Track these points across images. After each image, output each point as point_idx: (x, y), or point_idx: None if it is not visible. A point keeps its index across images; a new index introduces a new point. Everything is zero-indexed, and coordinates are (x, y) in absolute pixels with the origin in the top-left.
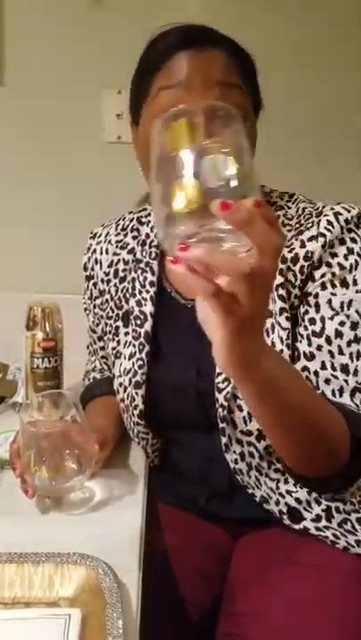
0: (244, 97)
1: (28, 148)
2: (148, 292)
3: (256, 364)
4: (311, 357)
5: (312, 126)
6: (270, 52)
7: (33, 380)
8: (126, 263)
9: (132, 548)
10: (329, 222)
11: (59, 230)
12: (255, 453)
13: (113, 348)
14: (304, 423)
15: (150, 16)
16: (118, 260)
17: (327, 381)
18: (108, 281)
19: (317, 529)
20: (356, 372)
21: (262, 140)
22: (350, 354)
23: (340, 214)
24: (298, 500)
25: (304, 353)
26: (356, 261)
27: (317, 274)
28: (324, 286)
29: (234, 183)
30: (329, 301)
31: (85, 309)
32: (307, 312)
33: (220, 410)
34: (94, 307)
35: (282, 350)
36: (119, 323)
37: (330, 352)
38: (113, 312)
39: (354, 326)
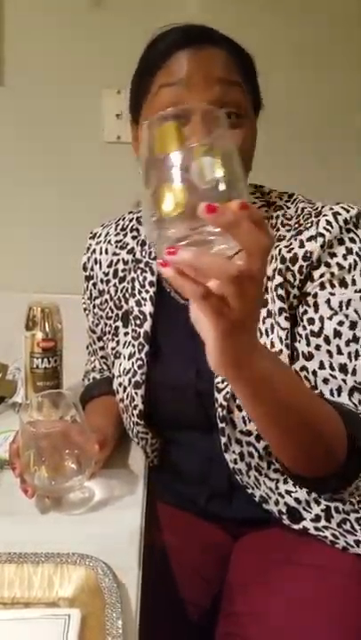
0: (244, 95)
1: (28, 148)
2: (147, 291)
3: (249, 364)
4: (310, 357)
5: (312, 126)
6: (270, 52)
7: (32, 380)
8: (126, 263)
9: (131, 548)
10: (328, 222)
11: (59, 230)
12: (254, 453)
13: (112, 348)
14: (301, 423)
15: (150, 16)
16: (118, 260)
17: (325, 381)
18: (108, 281)
19: (317, 529)
20: (354, 372)
21: (262, 139)
22: (349, 353)
23: (339, 214)
24: (297, 500)
25: (303, 353)
26: (354, 261)
27: (316, 274)
28: (322, 286)
29: (222, 186)
30: (328, 301)
31: (85, 309)
32: (305, 312)
33: (219, 410)
34: (94, 307)
35: (281, 350)
36: (119, 323)
37: (328, 352)
38: (112, 312)
39: (353, 326)
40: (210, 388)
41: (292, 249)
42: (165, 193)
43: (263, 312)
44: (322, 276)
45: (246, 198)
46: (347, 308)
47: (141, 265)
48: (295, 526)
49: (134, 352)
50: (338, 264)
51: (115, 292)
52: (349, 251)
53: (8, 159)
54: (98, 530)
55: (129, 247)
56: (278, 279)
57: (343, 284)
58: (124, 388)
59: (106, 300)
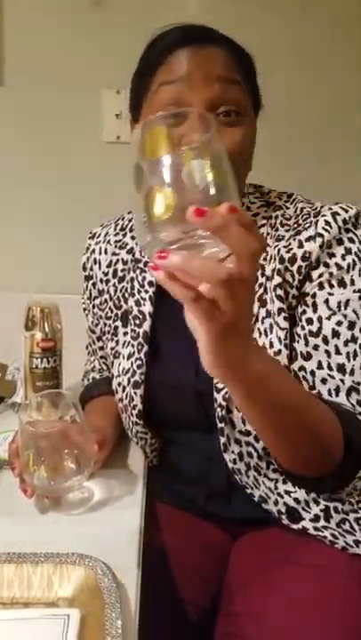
0: (243, 94)
1: (28, 148)
2: (146, 291)
3: (243, 365)
4: (308, 357)
5: (312, 126)
6: (270, 52)
7: (32, 380)
8: (125, 263)
9: (130, 548)
10: (327, 222)
11: (58, 230)
12: (254, 453)
13: (112, 348)
14: (297, 424)
15: (150, 16)
16: (117, 260)
17: (324, 381)
18: (107, 281)
19: (316, 529)
20: (352, 372)
21: (262, 139)
22: (347, 353)
23: (338, 214)
24: (296, 500)
25: (301, 353)
26: (353, 261)
27: (315, 274)
28: (321, 286)
29: (212, 190)
30: (326, 301)
31: (84, 309)
32: (304, 312)
33: (218, 410)
34: (93, 307)
35: (280, 350)
36: (118, 323)
37: (326, 352)
38: (112, 312)
39: (351, 326)
40: (209, 387)
41: (291, 249)
42: (156, 197)
43: (262, 312)
44: (321, 276)
45: (236, 202)
46: (345, 308)
47: (141, 265)
48: (294, 526)
49: (133, 352)
50: (337, 264)
51: (114, 292)
52: (348, 251)
53: (8, 159)
54: (97, 530)
55: (128, 247)
56: (277, 279)
57: (342, 284)
58: (124, 388)
59: (105, 300)
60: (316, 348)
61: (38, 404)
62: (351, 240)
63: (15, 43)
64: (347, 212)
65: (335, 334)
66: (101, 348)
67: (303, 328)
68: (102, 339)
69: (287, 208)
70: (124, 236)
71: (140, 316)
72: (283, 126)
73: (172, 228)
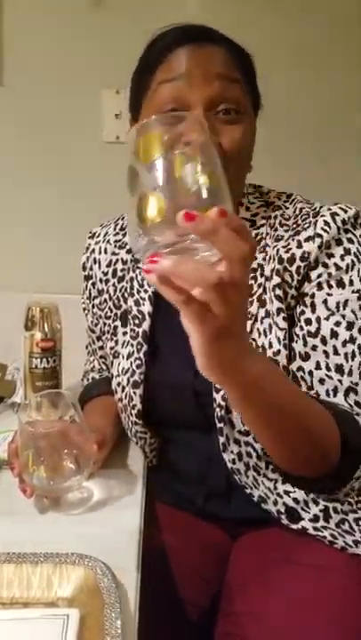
0: (243, 93)
1: (28, 148)
2: (146, 291)
3: (238, 368)
4: (306, 357)
5: (312, 126)
6: (270, 52)
7: (31, 380)
8: (125, 263)
9: (130, 547)
10: (326, 223)
11: (58, 230)
12: (253, 453)
13: (111, 348)
14: (293, 426)
15: (150, 16)
16: (117, 260)
17: (321, 381)
18: (107, 280)
19: (315, 529)
20: (350, 372)
21: (262, 139)
22: (345, 354)
23: (337, 215)
24: (296, 500)
25: (299, 353)
26: (352, 262)
27: (314, 274)
28: (320, 286)
29: (204, 194)
30: (325, 301)
31: (84, 309)
32: (303, 312)
33: (217, 410)
34: (93, 306)
35: (279, 350)
36: (117, 322)
37: (325, 352)
38: (111, 312)
39: (349, 326)
40: (208, 387)
41: (290, 249)
42: (149, 200)
43: (261, 312)
44: (319, 276)
45: (229, 205)
46: (344, 309)
47: (140, 264)
48: (294, 526)
49: (133, 351)
50: (335, 264)
51: (114, 292)
52: (347, 251)
53: (8, 159)
54: (97, 530)
55: (128, 247)
56: (276, 279)
57: (341, 284)
58: (123, 388)
59: (105, 300)
60: (314, 348)
61: (38, 404)
62: (350, 240)
63: (15, 43)
64: (346, 212)
65: (334, 335)
66: (101, 348)
67: (302, 328)
68: (102, 338)
69: (286, 208)
70: (124, 235)
71: (140, 316)
72: (283, 126)
73: (165, 232)
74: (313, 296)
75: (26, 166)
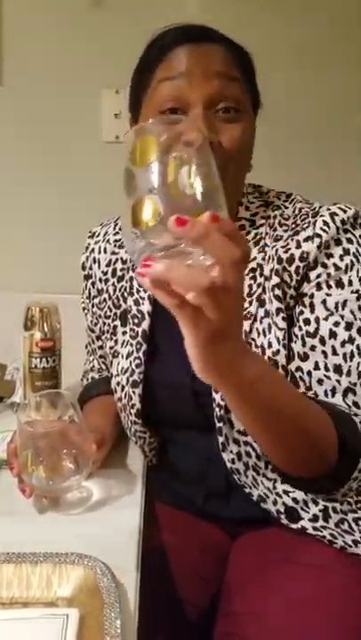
0: (242, 91)
1: (28, 148)
2: (145, 290)
3: (233, 370)
4: (305, 358)
5: (312, 126)
6: (270, 52)
7: (31, 379)
8: (124, 262)
9: (129, 547)
10: (325, 223)
11: (58, 230)
12: (252, 453)
13: (111, 348)
14: (292, 429)
15: (150, 16)
16: (116, 260)
17: (320, 382)
18: (106, 280)
19: (315, 529)
20: (348, 373)
21: (263, 139)
22: (344, 354)
23: (337, 215)
24: (295, 500)
25: (298, 353)
26: (351, 262)
27: (313, 274)
28: (319, 287)
29: (199, 198)
30: (324, 302)
31: (84, 309)
32: (302, 312)
33: (216, 409)
34: (92, 306)
35: (279, 350)
36: (117, 322)
37: (323, 352)
38: (111, 311)
39: (348, 327)
40: (207, 387)
41: (289, 249)
42: (144, 204)
43: (261, 312)
44: (318, 276)
45: (224, 210)
46: (343, 309)
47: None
48: (293, 526)
49: (132, 351)
50: (334, 265)
51: (113, 291)
52: (346, 251)
53: (7, 159)
54: (96, 530)
55: None
56: (275, 279)
57: (340, 284)
58: (122, 387)
59: (104, 299)
60: (313, 348)
61: (37, 404)
62: (349, 241)
63: (15, 43)
64: (345, 212)
65: (332, 335)
66: (100, 348)
67: (301, 328)
68: (101, 338)
69: (286, 208)
70: None
71: (139, 315)
72: (283, 126)
73: (161, 235)
74: (312, 296)
75: (25, 166)
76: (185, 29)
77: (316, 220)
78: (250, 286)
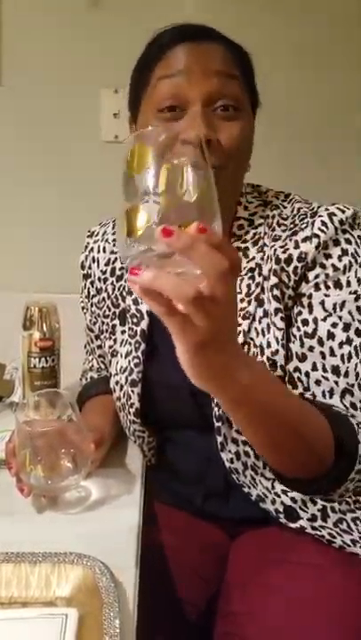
0: (241, 90)
1: (28, 148)
2: None
3: (226, 377)
4: (303, 358)
5: (312, 126)
6: (270, 52)
7: (30, 379)
8: None
9: (129, 547)
10: (323, 223)
11: (58, 230)
12: (250, 453)
13: (110, 347)
14: (289, 434)
15: (149, 16)
16: (115, 259)
17: (318, 382)
18: (105, 279)
19: (313, 528)
20: (346, 374)
21: (263, 139)
22: (342, 355)
23: (335, 215)
24: (293, 500)
25: (296, 354)
26: (350, 262)
27: (311, 275)
28: (317, 287)
29: (192, 206)
30: (322, 302)
31: (83, 308)
32: (300, 313)
33: (215, 409)
34: (91, 305)
35: (277, 350)
36: (116, 321)
37: (321, 353)
38: (110, 310)
39: (346, 328)
40: None
41: (288, 249)
42: (138, 211)
43: (260, 312)
44: (317, 277)
45: (217, 219)
46: (341, 310)
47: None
48: (292, 525)
49: (131, 350)
50: (333, 265)
51: (112, 291)
52: (345, 252)
53: (7, 159)
54: (95, 529)
55: None
56: (274, 280)
57: (338, 285)
58: (121, 387)
59: (103, 299)
60: (311, 349)
61: (36, 404)
62: (348, 241)
63: (14, 42)
64: (344, 212)
65: (330, 336)
66: (99, 347)
67: (299, 329)
68: (100, 337)
69: (284, 208)
70: None
71: (138, 315)
72: (283, 126)
73: (156, 243)
74: (310, 297)
75: (25, 166)
76: (184, 28)
77: (314, 221)
78: (248, 286)
